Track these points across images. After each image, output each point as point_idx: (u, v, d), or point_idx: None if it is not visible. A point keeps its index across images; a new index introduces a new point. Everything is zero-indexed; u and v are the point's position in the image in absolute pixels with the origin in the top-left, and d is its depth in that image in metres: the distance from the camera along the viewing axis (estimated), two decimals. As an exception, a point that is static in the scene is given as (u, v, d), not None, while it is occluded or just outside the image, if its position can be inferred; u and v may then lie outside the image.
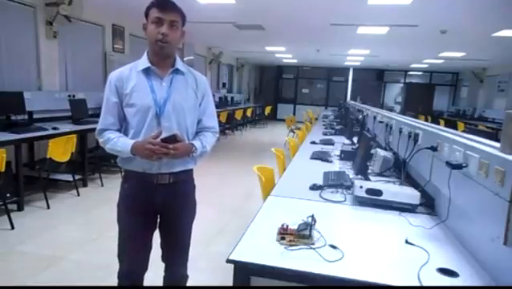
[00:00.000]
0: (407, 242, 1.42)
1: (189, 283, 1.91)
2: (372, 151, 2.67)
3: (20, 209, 3.76)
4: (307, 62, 14.89)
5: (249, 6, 5.58)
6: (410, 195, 1.80)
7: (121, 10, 6.17)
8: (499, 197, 1.13)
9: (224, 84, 12.76)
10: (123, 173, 1.75)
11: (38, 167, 4.06)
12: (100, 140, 1.67)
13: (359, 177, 2.31)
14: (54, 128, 4.18)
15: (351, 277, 1.14)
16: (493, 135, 5.40)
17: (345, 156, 3.11)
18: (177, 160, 1.63)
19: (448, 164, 1.45)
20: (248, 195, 4.65)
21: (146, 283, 1.81)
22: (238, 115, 11.20)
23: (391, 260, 1.29)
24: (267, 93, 17.00)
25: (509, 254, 1.07)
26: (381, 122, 3.39)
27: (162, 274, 1.86)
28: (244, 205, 4.36)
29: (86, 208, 4.02)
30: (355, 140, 3.99)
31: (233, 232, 3.33)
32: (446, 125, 7.59)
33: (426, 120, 9.33)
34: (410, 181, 2.22)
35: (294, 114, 14.30)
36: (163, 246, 1.80)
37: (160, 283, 1.89)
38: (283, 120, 11.37)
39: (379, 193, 1.82)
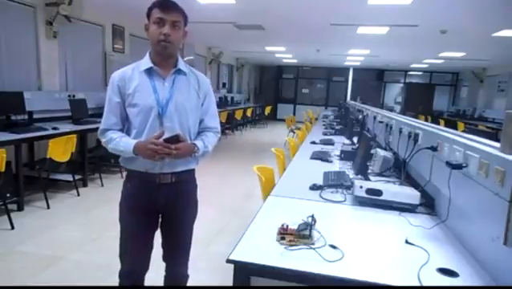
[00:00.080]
0: (407, 242, 1.42)
1: (189, 283, 1.91)
2: (372, 151, 2.67)
3: (20, 209, 3.76)
4: (307, 62, 14.89)
5: (249, 6, 5.58)
6: (410, 195, 1.80)
7: (121, 10, 6.17)
8: (499, 197, 1.13)
9: (224, 84, 12.76)
10: (123, 173, 1.76)
11: (38, 167, 4.06)
12: (103, 140, 1.67)
13: (359, 177, 2.31)
14: (54, 128, 4.18)
15: (351, 277, 1.14)
16: (493, 135, 5.40)
17: (345, 156, 3.11)
18: (179, 160, 1.63)
19: (448, 164, 1.45)
20: (248, 195, 4.65)
21: (147, 283, 1.81)
22: (238, 115, 11.20)
23: (391, 260, 1.29)
24: (267, 93, 17.00)
25: (509, 254, 1.07)
26: (381, 122, 3.39)
27: (163, 273, 1.86)
28: (244, 205, 4.36)
29: (86, 208, 4.02)
30: (355, 140, 3.99)
31: (233, 232, 3.33)
32: (446, 125, 7.60)
33: (426, 120, 9.33)
34: (410, 181, 2.22)
35: (294, 114, 14.30)
36: (164, 245, 1.80)
37: (160, 283, 1.89)
38: (283, 120, 11.37)
39: (379, 193, 1.82)
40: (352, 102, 10.70)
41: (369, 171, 2.47)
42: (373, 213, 1.78)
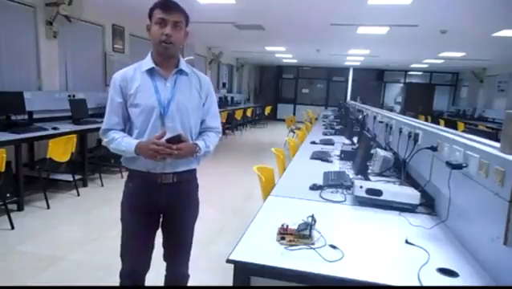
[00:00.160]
0: (407, 242, 1.42)
1: (189, 283, 1.91)
2: (372, 151, 2.67)
3: (20, 209, 3.76)
4: (307, 62, 14.89)
5: (249, 6, 5.58)
6: (410, 195, 1.80)
7: (121, 10, 6.17)
8: (499, 197, 1.13)
9: (224, 84, 12.77)
10: (123, 173, 1.76)
11: (38, 167, 4.06)
12: (105, 140, 1.68)
13: (359, 177, 2.31)
14: (54, 128, 4.18)
15: (351, 277, 1.14)
16: (493, 135, 5.40)
17: (345, 156, 3.11)
18: (181, 160, 1.64)
19: (448, 164, 1.45)
20: (248, 195, 4.65)
21: (147, 283, 1.81)
22: (238, 115, 11.20)
23: (391, 260, 1.29)
24: (267, 93, 17.00)
25: (509, 254, 1.07)
26: (381, 122, 3.39)
27: (163, 273, 1.86)
28: (244, 205, 4.36)
29: (86, 208, 4.02)
30: (355, 140, 3.99)
31: (233, 232, 3.33)
32: (446, 125, 7.59)
33: (426, 120, 9.33)
34: (410, 181, 2.22)
35: (294, 114, 14.30)
36: (165, 245, 1.80)
37: (161, 283, 1.89)
38: (283, 120, 11.36)
39: (379, 193, 1.82)
40: (352, 102, 10.70)
41: (369, 171, 2.47)
42: (373, 213, 1.78)
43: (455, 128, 7.48)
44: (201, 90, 1.72)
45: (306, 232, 1.36)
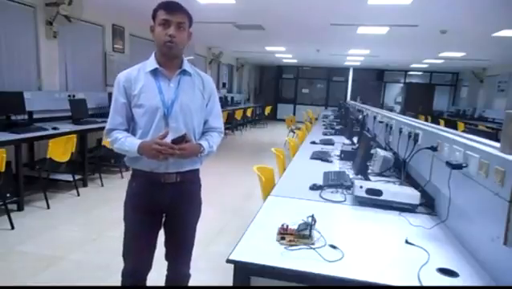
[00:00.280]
0: (407, 242, 1.42)
1: (190, 283, 1.91)
2: (372, 151, 2.67)
3: (20, 209, 3.76)
4: (307, 62, 14.89)
5: (249, 6, 5.58)
6: (410, 195, 1.80)
7: (121, 10, 6.17)
8: (499, 197, 1.13)
9: (224, 84, 12.77)
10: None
11: (38, 167, 4.06)
12: (108, 140, 1.70)
13: (359, 177, 2.31)
14: (54, 128, 4.17)
15: (351, 277, 1.14)
16: (493, 135, 5.40)
17: (345, 156, 3.11)
18: (185, 160, 1.65)
19: (448, 164, 1.45)
20: (248, 195, 4.65)
21: (148, 282, 1.81)
22: (238, 115, 11.20)
23: (391, 260, 1.29)
24: (267, 93, 17.00)
25: (509, 254, 1.07)
26: (381, 122, 3.39)
27: (164, 272, 1.87)
28: (244, 205, 4.37)
29: (86, 208, 4.02)
30: (355, 140, 3.99)
31: (233, 232, 3.33)
32: (446, 125, 7.59)
33: (426, 120, 9.33)
34: (410, 181, 2.22)
35: (294, 114, 14.30)
36: (167, 244, 1.81)
37: (161, 282, 1.89)
38: (283, 120, 11.37)
39: (379, 193, 1.82)
40: (352, 102, 10.70)
41: (369, 171, 2.47)
42: (373, 213, 1.78)
43: (455, 128, 7.48)
44: (204, 90, 1.73)
45: (306, 232, 1.36)
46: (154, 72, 1.64)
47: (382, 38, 7.42)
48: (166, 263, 1.85)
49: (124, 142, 1.61)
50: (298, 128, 7.73)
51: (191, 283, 1.91)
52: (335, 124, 6.51)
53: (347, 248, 1.32)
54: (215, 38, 9.03)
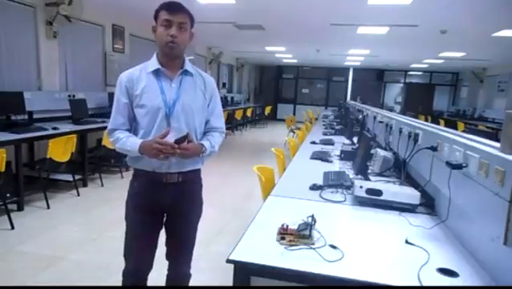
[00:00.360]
0: (407, 242, 1.42)
1: (190, 283, 1.91)
2: (372, 151, 2.67)
3: (20, 209, 3.76)
4: (307, 62, 14.89)
5: (249, 6, 5.58)
6: (410, 195, 1.80)
7: (121, 10, 6.17)
8: (499, 197, 1.13)
9: (224, 84, 12.77)
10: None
11: (38, 167, 4.06)
12: (110, 140, 1.71)
13: (359, 177, 2.31)
14: (54, 128, 4.17)
15: (351, 277, 1.14)
16: (493, 135, 5.40)
17: (345, 156, 3.11)
18: (187, 160, 1.66)
19: (448, 164, 1.45)
20: (248, 195, 4.65)
21: (149, 282, 1.81)
22: (238, 115, 11.20)
23: (391, 260, 1.29)
24: (267, 93, 17.00)
25: (509, 254, 1.07)
26: (381, 122, 3.39)
27: (165, 272, 1.87)
28: (244, 205, 4.37)
29: (86, 208, 4.02)
30: (355, 140, 3.99)
31: (233, 232, 3.33)
32: (446, 125, 7.59)
33: (426, 120, 9.33)
34: (410, 181, 2.22)
35: (294, 114, 14.30)
36: (168, 244, 1.82)
37: (162, 281, 1.90)
38: (283, 120, 11.37)
39: (379, 193, 1.82)
40: (352, 102, 10.70)
41: (369, 171, 2.47)
42: (373, 213, 1.78)
43: (455, 128, 7.48)
44: (205, 90, 1.74)
45: (306, 232, 1.36)
46: (156, 72, 1.65)
47: (382, 38, 7.42)
48: (167, 263, 1.85)
49: (126, 142, 1.62)
50: (298, 128, 7.73)
51: (191, 283, 1.92)
52: (335, 124, 6.51)
53: (347, 248, 1.32)
54: (215, 38, 9.03)
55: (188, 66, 1.70)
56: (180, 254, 1.83)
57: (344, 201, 1.94)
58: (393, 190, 1.85)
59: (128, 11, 6.15)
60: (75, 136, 4.15)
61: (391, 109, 13.14)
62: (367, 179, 2.25)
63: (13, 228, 3.31)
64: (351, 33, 7.14)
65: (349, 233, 1.54)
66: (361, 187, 1.85)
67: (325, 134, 4.98)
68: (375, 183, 2.01)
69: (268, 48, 10.52)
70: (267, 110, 13.72)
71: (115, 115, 1.68)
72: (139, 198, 1.71)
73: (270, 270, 1.18)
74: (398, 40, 7.84)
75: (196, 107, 1.69)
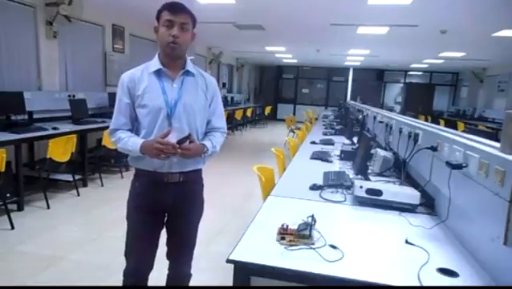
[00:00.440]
0: (407, 242, 1.42)
1: (190, 283, 1.91)
2: (372, 151, 2.67)
3: (20, 209, 3.76)
4: (307, 62, 14.89)
5: (249, 6, 5.58)
6: (410, 195, 1.80)
7: (121, 10, 6.17)
8: (499, 197, 1.13)
9: (224, 84, 12.76)
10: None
11: (38, 167, 4.06)
12: (112, 140, 1.71)
13: (359, 177, 2.31)
14: (54, 128, 4.17)
15: (351, 277, 1.14)
16: (493, 135, 5.40)
17: (345, 156, 3.11)
18: (189, 160, 1.66)
19: (448, 164, 1.45)
20: (248, 195, 4.65)
21: (150, 281, 1.81)
22: (238, 115, 11.20)
23: (391, 260, 1.29)
24: (267, 93, 17.00)
25: (509, 254, 1.07)
26: (381, 122, 3.39)
27: (165, 272, 1.87)
28: (244, 205, 4.37)
29: (86, 208, 4.02)
30: (355, 140, 3.99)
31: (233, 232, 3.33)
32: (446, 125, 7.59)
33: (426, 120, 9.33)
34: (410, 181, 2.22)
35: (294, 114, 14.30)
36: (169, 243, 1.82)
37: (163, 281, 1.90)
38: (283, 120, 11.37)
39: (379, 193, 1.82)
40: (352, 102, 10.70)
41: (369, 171, 2.47)
42: (373, 213, 1.78)
43: (455, 128, 7.48)
44: (207, 91, 1.74)
45: (306, 232, 1.36)
46: (158, 73, 1.66)
47: (382, 38, 7.42)
48: (167, 263, 1.86)
49: (127, 142, 1.63)
50: (298, 128, 7.73)
51: (191, 283, 1.92)
52: (335, 124, 6.51)
53: (347, 248, 1.32)
54: (215, 38, 9.03)
55: (189, 66, 1.70)
56: (181, 254, 1.84)
57: (344, 201, 1.94)
58: (393, 190, 1.85)
59: (128, 11, 6.15)
60: (75, 136, 4.14)
61: (391, 109, 13.14)
62: (367, 179, 2.25)
63: (13, 228, 3.31)
64: (351, 33, 7.14)
65: (349, 233, 1.54)
66: (361, 187, 1.85)
67: (325, 134, 4.98)
68: (375, 183, 2.01)
69: (268, 48, 10.52)
70: (267, 110, 13.72)
71: (117, 115, 1.69)
72: (140, 198, 1.71)
73: (270, 270, 1.18)
74: (398, 40, 7.84)
75: (197, 108, 1.69)
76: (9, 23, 4.49)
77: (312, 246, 1.31)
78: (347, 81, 16.03)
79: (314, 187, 2.13)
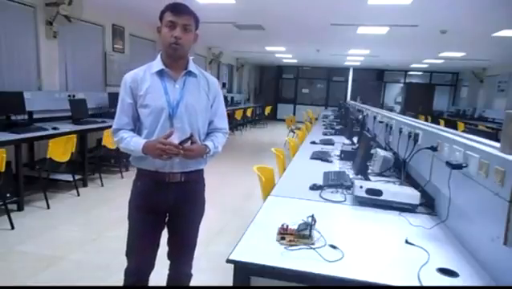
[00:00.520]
0: (407, 242, 1.42)
1: (190, 283, 1.91)
2: (372, 151, 2.67)
3: (20, 209, 3.76)
4: (307, 62, 14.89)
5: (249, 6, 5.58)
6: (410, 195, 1.80)
7: (121, 10, 6.17)
8: (499, 197, 1.13)
9: (224, 84, 12.76)
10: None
11: (38, 167, 4.06)
12: (115, 139, 1.72)
13: (359, 177, 2.31)
14: (54, 128, 4.17)
15: (351, 277, 1.14)
16: (493, 135, 5.41)
17: (345, 156, 3.11)
18: (190, 160, 1.66)
19: (448, 164, 1.45)
20: (248, 195, 4.65)
21: (150, 281, 1.81)
22: (238, 115, 11.21)
23: (391, 260, 1.29)
24: (267, 93, 17.00)
25: (509, 254, 1.07)
26: (381, 122, 3.39)
27: (166, 271, 1.87)
28: (244, 205, 4.36)
29: (86, 208, 4.02)
30: (355, 140, 3.99)
31: (233, 232, 3.33)
32: (446, 125, 7.59)
33: (426, 120, 9.33)
34: (410, 181, 2.22)
35: (294, 114, 14.31)
36: (170, 243, 1.82)
37: (163, 281, 1.90)
38: (283, 120, 11.37)
39: (379, 193, 1.82)
40: (352, 102, 10.70)
41: (369, 171, 2.47)
42: (373, 213, 1.78)
43: (455, 128, 7.48)
44: (209, 91, 1.75)
45: (306, 232, 1.36)
46: (160, 73, 1.66)
47: (382, 38, 7.42)
48: (168, 262, 1.86)
49: (130, 142, 1.63)
50: (298, 128, 7.73)
51: (191, 283, 1.92)
52: (335, 124, 6.51)
53: (347, 248, 1.32)
54: (215, 38, 9.02)
55: (192, 67, 1.71)
56: (182, 254, 1.84)
57: (344, 201, 1.94)
58: (393, 190, 1.85)
59: (128, 11, 6.15)
60: (75, 136, 4.14)
61: (391, 109, 13.14)
62: (367, 179, 2.25)
63: (13, 228, 3.31)
64: (351, 33, 7.14)
65: (349, 233, 1.54)
66: (361, 187, 1.85)
67: (325, 134, 4.98)
68: (375, 183, 2.01)
69: (268, 48, 10.52)
70: (267, 110, 13.72)
71: (119, 115, 1.69)
72: (142, 198, 1.71)
73: (270, 270, 1.18)
74: (398, 40, 7.84)
75: (199, 108, 1.69)
76: (9, 23, 4.49)
77: (312, 246, 1.31)
78: (347, 81, 16.03)
79: (314, 187, 2.13)
